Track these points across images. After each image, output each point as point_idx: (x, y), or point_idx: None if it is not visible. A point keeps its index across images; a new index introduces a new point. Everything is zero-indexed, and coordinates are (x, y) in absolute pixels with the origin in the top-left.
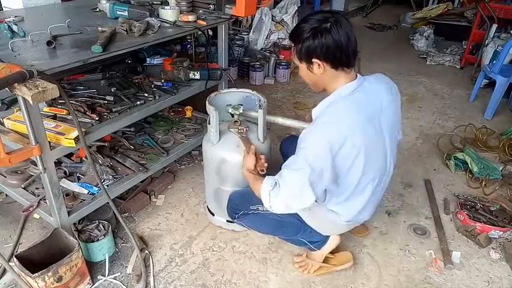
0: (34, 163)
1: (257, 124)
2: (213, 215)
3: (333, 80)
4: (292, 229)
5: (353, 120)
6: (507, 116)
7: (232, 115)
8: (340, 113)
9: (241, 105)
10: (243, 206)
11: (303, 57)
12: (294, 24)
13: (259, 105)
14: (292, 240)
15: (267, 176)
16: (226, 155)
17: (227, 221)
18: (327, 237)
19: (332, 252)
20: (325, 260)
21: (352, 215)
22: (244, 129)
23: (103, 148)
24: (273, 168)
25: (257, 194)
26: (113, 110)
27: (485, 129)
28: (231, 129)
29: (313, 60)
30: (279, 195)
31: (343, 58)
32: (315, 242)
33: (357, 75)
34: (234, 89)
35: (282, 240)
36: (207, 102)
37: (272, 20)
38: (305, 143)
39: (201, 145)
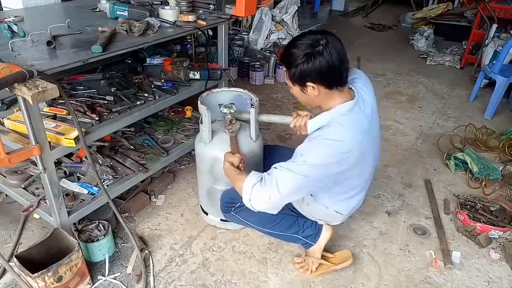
0: (34, 163)
1: (249, 123)
2: (207, 214)
3: (327, 98)
4: (287, 222)
5: (356, 136)
6: (507, 116)
7: (225, 114)
8: (344, 130)
9: (233, 104)
10: (239, 199)
11: (296, 81)
12: (294, 25)
13: (251, 104)
14: (287, 237)
15: (252, 171)
16: (218, 154)
17: (221, 220)
18: (320, 229)
19: (331, 252)
20: (325, 259)
21: (349, 210)
22: (235, 128)
23: (103, 148)
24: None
25: (237, 188)
26: (113, 110)
27: (485, 129)
28: (225, 130)
29: (308, 83)
30: (263, 192)
31: (336, 78)
32: (309, 236)
33: (351, 89)
34: (226, 88)
35: (278, 237)
36: (199, 101)
37: (272, 20)
38: (308, 154)
39: None
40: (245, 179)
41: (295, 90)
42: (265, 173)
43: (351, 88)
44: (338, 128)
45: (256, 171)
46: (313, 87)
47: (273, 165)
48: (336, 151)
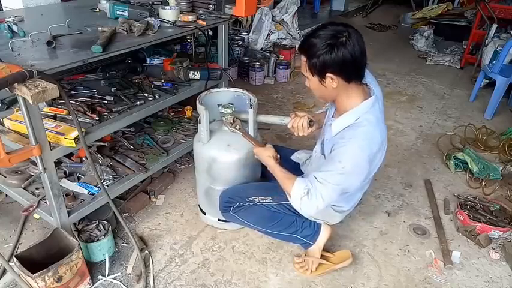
0: (34, 163)
1: (247, 123)
2: (205, 214)
3: (344, 91)
4: (286, 221)
5: (381, 133)
6: (507, 116)
7: (223, 114)
8: (373, 130)
9: (232, 104)
10: (238, 198)
11: (316, 72)
12: (294, 25)
13: (250, 105)
14: (285, 237)
15: (298, 179)
16: (216, 154)
17: (218, 219)
18: (318, 228)
19: (331, 251)
20: (325, 259)
21: (348, 207)
22: (240, 125)
23: (103, 148)
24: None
25: (285, 190)
26: (113, 110)
27: (485, 129)
28: (232, 129)
29: (327, 74)
30: (311, 204)
31: (356, 70)
32: (308, 235)
33: (366, 84)
34: (225, 89)
35: (277, 238)
36: (197, 101)
37: (272, 20)
38: (346, 161)
39: None
40: (292, 188)
41: (313, 81)
42: (308, 182)
43: (365, 84)
44: (368, 128)
45: (301, 178)
46: (332, 78)
47: (313, 175)
48: (371, 151)
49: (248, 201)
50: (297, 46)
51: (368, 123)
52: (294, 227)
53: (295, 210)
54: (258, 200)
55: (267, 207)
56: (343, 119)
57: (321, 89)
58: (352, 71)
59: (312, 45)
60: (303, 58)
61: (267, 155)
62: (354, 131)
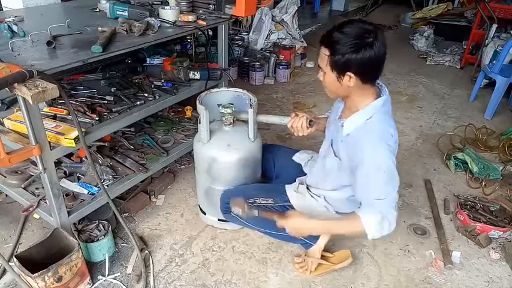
0: (34, 163)
1: (247, 123)
2: (205, 213)
3: (357, 91)
4: None
5: (395, 132)
6: (507, 116)
7: (223, 114)
8: (388, 124)
9: (232, 104)
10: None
11: (336, 68)
12: (294, 25)
13: (250, 105)
14: (286, 238)
15: (360, 215)
16: (216, 154)
17: (218, 219)
18: None
19: (331, 251)
20: (325, 259)
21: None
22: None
23: (103, 148)
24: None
25: (354, 232)
26: (113, 110)
27: (485, 129)
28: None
29: (348, 73)
30: (385, 229)
31: (376, 73)
32: (309, 236)
33: (379, 85)
34: (225, 89)
35: (278, 238)
36: (197, 101)
37: (272, 20)
38: (380, 163)
39: None
40: (365, 225)
41: (330, 76)
42: (375, 210)
43: (378, 84)
44: (383, 123)
45: (364, 211)
46: (350, 77)
47: (369, 201)
48: (392, 143)
49: (250, 202)
50: (321, 37)
51: (379, 121)
52: None
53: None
54: (259, 201)
55: (268, 208)
56: (355, 118)
57: (335, 85)
58: (372, 72)
59: (338, 41)
60: (325, 51)
61: (301, 220)
62: (368, 135)
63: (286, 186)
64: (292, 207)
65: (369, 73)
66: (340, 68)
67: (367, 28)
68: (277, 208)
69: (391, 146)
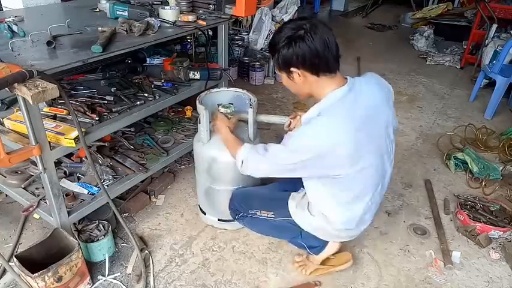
0: (34, 163)
1: (247, 123)
2: (205, 213)
3: (317, 86)
4: (289, 233)
5: (345, 129)
6: (507, 116)
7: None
8: (332, 122)
9: (232, 104)
10: (242, 209)
11: (281, 67)
12: None
13: (250, 105)
14: (292, 242)
15: (245, 144)
16: (216, 154)
17: (218, 219)
18: (326, 243)
19: (332, 253)
20: (325, 260)
21: (353, 222)
22: (230, 116)
23: (103, 148)
24: None
25: (231, 154)
26: (113, 110)
27: (485, 129)
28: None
29: (292, 69)
30: (245, 164)
31: (322, 64)
32: (314, 247)
33: (346, 78)
34: (225, 88)
35: (282, 240)
36: (197, 101)
37: (272, 20)
38: (295, 144)
39: None
40: (239, 148)
41: (284, 78)
42: (257, 147)
43: (346, 78)
44: (327, 120)
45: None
46: (298, 73)
47: (262, 147)
48: (320, 142)
49: (251, 214)
50: None
51: (327, 116)
52: (298, 237)
53: (299, 226)
54: (260, 214)
55: (268, 220)
56: (309, 112)
57: (291, 84)
58: (316, 64)
59: (275, 41)
60: (272, 55)
61: (222, 125)
62: (314, 122)
63: (289, 201)
64: (294, 222)
65: (313, 65)
66: (283, 66)
67: (300, 23)
68: (277, 222)
69: (322, 144)
